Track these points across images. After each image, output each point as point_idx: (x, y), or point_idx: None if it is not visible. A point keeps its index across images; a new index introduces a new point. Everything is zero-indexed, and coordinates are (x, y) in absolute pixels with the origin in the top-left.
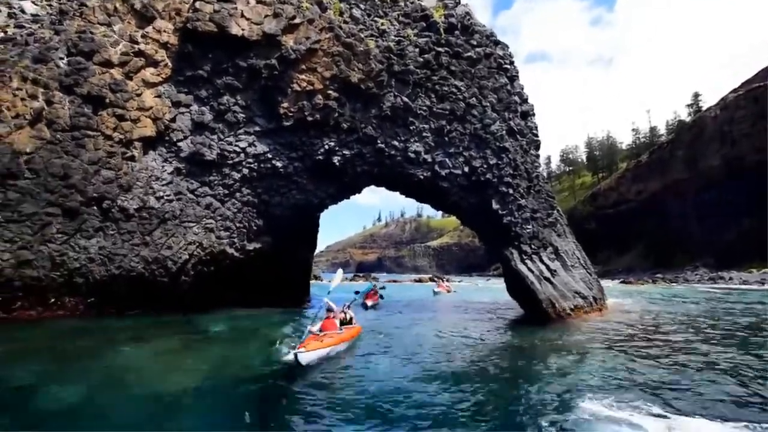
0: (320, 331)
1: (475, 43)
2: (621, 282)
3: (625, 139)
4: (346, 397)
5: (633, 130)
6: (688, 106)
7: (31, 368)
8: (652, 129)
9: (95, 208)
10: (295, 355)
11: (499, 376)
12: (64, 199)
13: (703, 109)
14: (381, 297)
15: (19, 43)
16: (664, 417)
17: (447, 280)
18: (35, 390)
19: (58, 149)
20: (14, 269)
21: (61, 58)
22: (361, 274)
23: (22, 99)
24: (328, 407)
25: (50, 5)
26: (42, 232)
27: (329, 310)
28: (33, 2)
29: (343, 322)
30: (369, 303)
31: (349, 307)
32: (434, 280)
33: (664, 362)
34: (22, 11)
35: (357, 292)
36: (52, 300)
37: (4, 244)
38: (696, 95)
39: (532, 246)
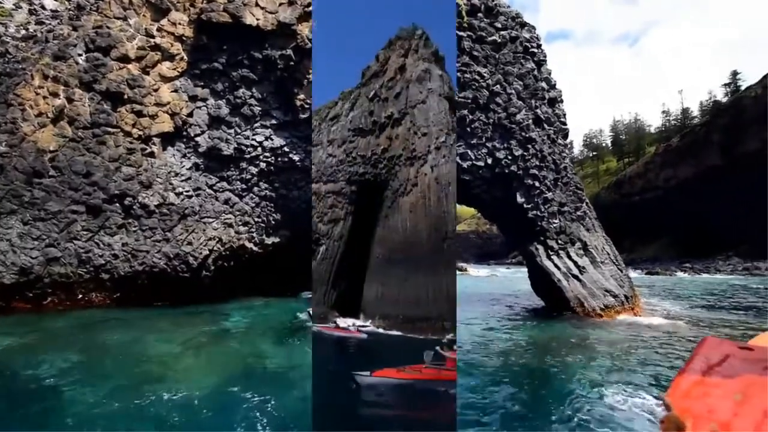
0: None
1: (499, 25)
2: (647, 273)
3: (653, 122)
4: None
5: (663, 112)
6: (725, 85)
7: (61, 360)
8: (684, 111)
9: (117, 205)
10: None
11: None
12: (88, 197)
13: (742, 89)
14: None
15: (39, 40)
16: None
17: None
18: (64, 383)
19: (80, 147)
20: (43, 266)
21: (80, 55)
22: None
23: (44, 97)
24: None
25: (68, 0)
26: (68, 229)
27: None
28: None
29: None
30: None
31: None
32: None
33: None
34: (43, 7)
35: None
36: (80, 295)
37: (33, 242)
38: (734, 73)
39: (559, 241)
